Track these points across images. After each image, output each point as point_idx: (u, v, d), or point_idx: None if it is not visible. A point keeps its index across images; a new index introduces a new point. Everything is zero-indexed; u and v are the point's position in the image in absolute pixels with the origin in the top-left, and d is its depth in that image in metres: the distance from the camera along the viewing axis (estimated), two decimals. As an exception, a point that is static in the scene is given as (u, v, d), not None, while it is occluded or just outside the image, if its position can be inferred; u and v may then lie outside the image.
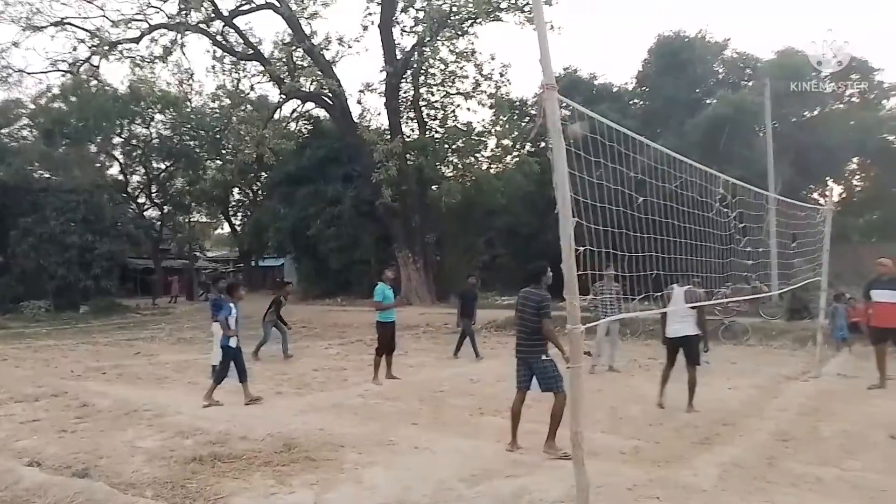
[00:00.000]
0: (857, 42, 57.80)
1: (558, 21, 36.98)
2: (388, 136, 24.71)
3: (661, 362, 9.62)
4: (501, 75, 25.28)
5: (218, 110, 30.97)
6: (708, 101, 26.13)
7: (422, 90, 26.28)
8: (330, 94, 24.81)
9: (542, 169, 24.10)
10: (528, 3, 22.92)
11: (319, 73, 24.30)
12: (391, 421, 7.21)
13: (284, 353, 12.35)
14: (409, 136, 26.33)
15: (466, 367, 11.47)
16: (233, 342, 8.12)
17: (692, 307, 7.38)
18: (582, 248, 4.17)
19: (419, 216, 25.54)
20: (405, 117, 26.91)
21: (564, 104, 4.49)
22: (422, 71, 25.57)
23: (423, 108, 26.55)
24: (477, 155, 27.17)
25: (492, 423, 7.03)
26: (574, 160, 4.85)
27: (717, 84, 28.00)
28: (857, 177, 31.82)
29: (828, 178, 29.40)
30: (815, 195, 28.13)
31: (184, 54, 33.47)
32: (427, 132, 26.52)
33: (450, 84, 26.01)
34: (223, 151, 32.29)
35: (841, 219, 28.76)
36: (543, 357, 5.78)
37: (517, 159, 27.69)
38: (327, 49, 25.03)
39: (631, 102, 30.20)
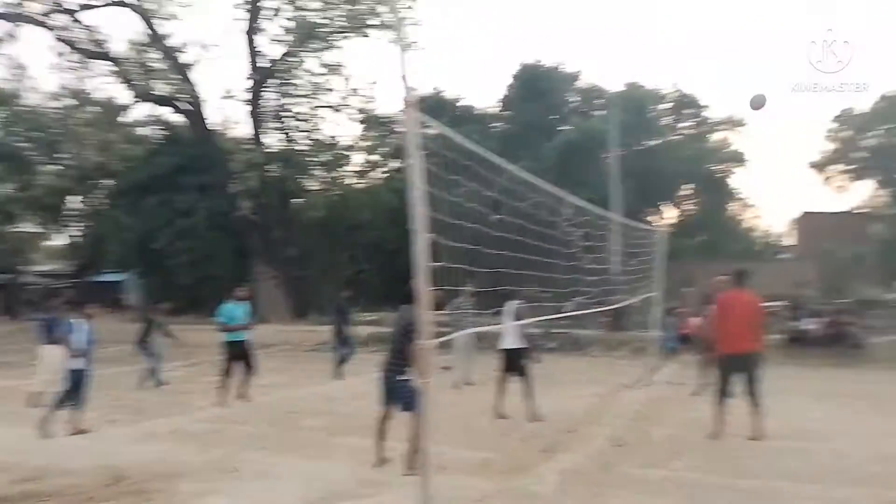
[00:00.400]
0: (689, 82, 64.48)
1: (423, 42, 37.79)
2: (249, 146, 23.82)
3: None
4: (370, 90, 25.38)
5: (59, 110, 28.14)
6: (562, 128, 27.83)
7: (287, 101, 25.66)
8: (186, 99, 23.48)
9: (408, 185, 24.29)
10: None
11: (176, 76, 22.95)
12: (237, 446, 6.82)
13: (143, 382, 11.12)
14: (271, 148, 25.53)
15: (323, 386, 11.19)
16: (78, 364, 7.40)
17: (519, 323, 7.88)
18: (437, 265, 4.22)
19: (280, 230, 24.76)
20: (268, 128, 26.12)
21: (427, 124, 4.56)
22: (287, 81, 24.98)
23: (287, 120, 25.91)
24: (343, 169, 26.93)
25: (346, 444, 6.87)
26: (433, 178, 4.92)
27: (570, 112, 29.89)
28: (690, 202, 35.29)
29: (664, 203, 32.33)
30: (654, 218, 30.80)
31: (19, 47, 30.15)
32: (291, 144, 25.86)
33: (316, 96, 25.64)
34: (59, 155, 29.33)
35: (674, 239, 31.74)
36: (398, 378, 5.76)
37: (385, 175, 27.78)
38: (185, 52, 23.73)
39: (493, 126, 31.41)
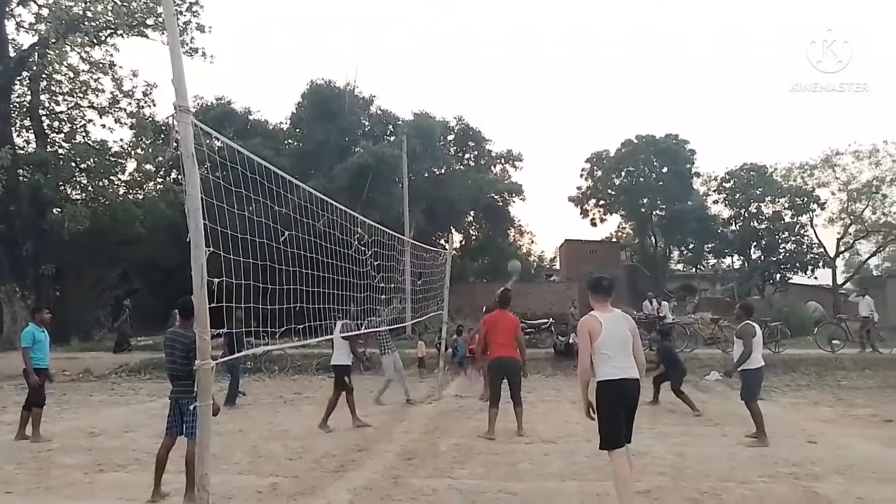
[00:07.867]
0: (472, 116, 69.38)
1: (212, 49, 35.91)
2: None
3: (308, 397, 9.72)
4: (145, 94, 23.35)
5: None
6: (355, 150, 28.14)
7: (43, 97, 22.58)
8: None
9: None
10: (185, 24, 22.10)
11: None
12: (-29, 494, 5.76)
13: None
14: (22, 149, 22.21)
15: (85, 419, 9.91)
16: None
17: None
18: (217, 280, 4.02)
19: (32, 243, 21.50)
20: (18, 125, 22.69)
21: (211, 134, 4.34)
22: (44, 76, 21.99)
23: (43, 119, 22.75)
24: (112, 178, 24.23)
25: (114, 480, 6.19)
26: (217, 191, 4.70)
27: (363, 135, 30.35)
28: (473, 227, 37.76)
29: (451, 227, 34.23)
30: (442, 241, 32.41)
31: None
32: (49, 146, 22.68)
33: (80, 95, 22.91)
34: None
35: (460, 262, 33.78)
36: (190, 403, 5.34)
37: (161, 187, 25.63)
38: None
39: (286, 142, 30.71)
